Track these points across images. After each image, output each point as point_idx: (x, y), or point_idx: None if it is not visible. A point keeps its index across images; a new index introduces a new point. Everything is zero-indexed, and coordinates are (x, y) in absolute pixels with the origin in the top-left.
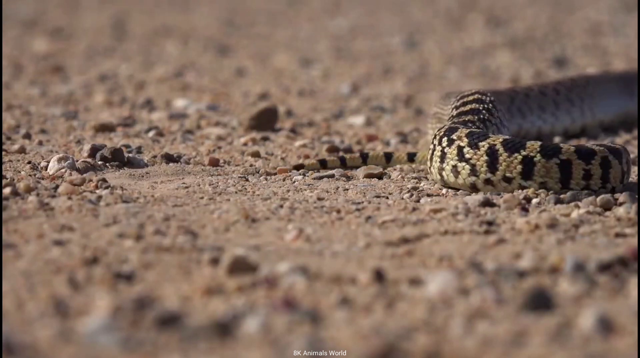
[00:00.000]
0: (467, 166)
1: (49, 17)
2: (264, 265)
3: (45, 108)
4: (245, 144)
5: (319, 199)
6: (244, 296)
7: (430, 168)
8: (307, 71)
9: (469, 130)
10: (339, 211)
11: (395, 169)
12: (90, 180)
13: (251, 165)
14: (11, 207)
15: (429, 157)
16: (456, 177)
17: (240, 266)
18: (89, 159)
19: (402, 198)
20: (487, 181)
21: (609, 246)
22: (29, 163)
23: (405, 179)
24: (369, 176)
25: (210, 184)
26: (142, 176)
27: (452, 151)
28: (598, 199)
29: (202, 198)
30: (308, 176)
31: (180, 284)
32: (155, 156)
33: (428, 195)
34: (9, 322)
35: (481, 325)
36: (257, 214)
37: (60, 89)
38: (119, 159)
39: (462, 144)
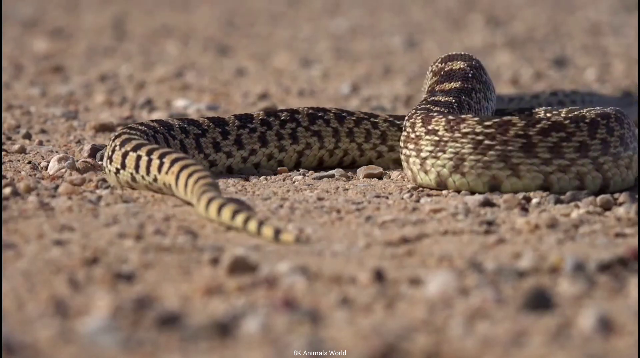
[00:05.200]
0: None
1: (49, 17)
2: (264, 265)
3: (45, 108)
4: None
5: (319, 199)
6: (244, 296)
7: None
8: (307, 71)
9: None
10: (339, 211)
11: (395, 169)
12: (90, 180)
13: None
14: (11, 207)
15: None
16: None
17: (240, 266)
18: (89, 159)
19: (402, 198)
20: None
21: (609, 246)
22: (29, 163)
23: (405, 179)
24: (369, 176)
25: None
26: None
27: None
28: (598, 199)
29: None
30: (308, 176)
31: (180, 284)
32: None
33: (428, 195)
34: (9, 322)
35: (481, 325)
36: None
37: (61, 89)
38: None
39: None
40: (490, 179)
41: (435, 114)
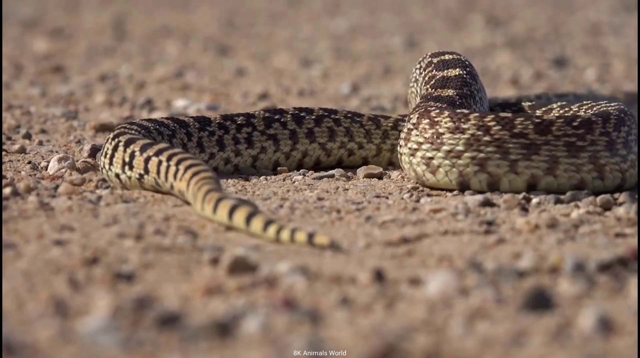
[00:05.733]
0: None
1: (49, 17)
2: (264, 265)
3: (45, 108)
4: None
5: (319, 199)
6: (244, 296)
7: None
8: (307, 71)
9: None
10: (339, 211)
11: (395, 169)
12: (90, 180)
13: None
14: (11, 207)
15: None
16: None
17: (240, 266)
18: (89, 159)
19: (402, 198)
20: None
21: (609, 246)
22: (29, 163)
23: (405, 179)
24: (369, 176)
25: None
26: None
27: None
28: (598, 199)
29: None
30: (308, 176)
31: (180, 284)
32: None
33: (428, 195)
34: (9, 322)
35: (481, 325)
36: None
37: (60, 89)
38: None
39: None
40: (579, 182)
41: (495, 115)
